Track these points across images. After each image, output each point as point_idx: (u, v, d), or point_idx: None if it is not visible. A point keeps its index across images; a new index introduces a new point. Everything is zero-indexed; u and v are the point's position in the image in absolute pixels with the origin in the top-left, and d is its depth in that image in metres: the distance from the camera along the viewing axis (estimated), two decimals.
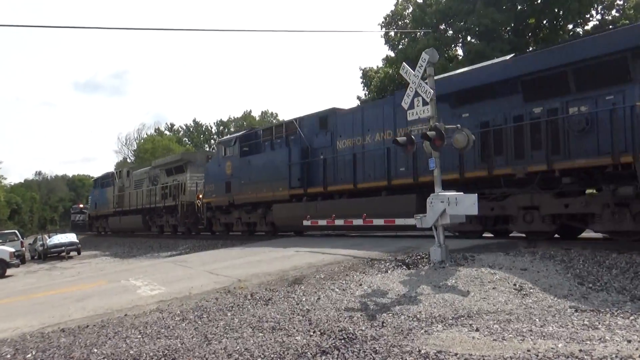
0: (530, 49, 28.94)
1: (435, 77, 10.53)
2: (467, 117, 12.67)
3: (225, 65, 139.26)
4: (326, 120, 17.44)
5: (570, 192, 11.02)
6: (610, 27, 24.97)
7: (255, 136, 21.48)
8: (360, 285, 8.58)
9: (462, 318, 6.52)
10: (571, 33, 29.26)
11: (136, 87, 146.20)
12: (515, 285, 8.00)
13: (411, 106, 9.95)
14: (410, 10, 31.91)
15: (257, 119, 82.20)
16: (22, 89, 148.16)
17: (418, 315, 6.69)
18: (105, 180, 41.18)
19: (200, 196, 24.65)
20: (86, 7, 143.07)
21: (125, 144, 79.09)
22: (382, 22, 33.43)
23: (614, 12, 29.51)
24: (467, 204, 8.83)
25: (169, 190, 29.54)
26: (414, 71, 9.88)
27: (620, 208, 10.22)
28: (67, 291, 11.20)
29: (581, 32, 30.15)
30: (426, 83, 9.70)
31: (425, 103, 9.73)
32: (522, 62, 11.92)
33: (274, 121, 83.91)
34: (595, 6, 28.87)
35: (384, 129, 15.11)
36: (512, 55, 13.01)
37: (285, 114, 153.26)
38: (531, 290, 7.79)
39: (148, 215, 32.89)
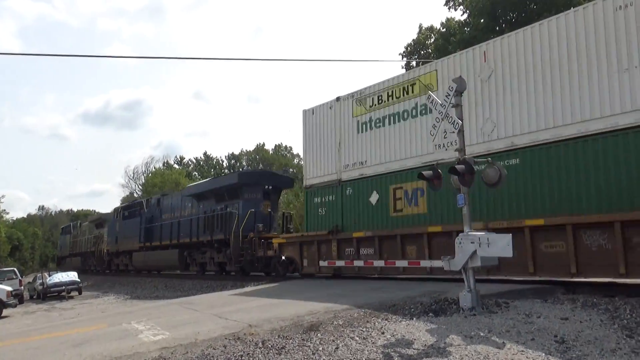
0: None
1: (189, 185, 25.92)
2: (200, 207, 28.54)
3: (238, 96, 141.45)
4: (158, 201, 34.33)
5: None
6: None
7: (130, 207, 37.98)
8: (383, 333, 8.21)
9: None
10: None
11: (147, 119, 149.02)
12: (556, 337, 7.56)
13: (438, 138, 9.75)
14: (433, 40, 32.13)
15: (271, 152, 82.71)
16: (30, 120, 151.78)
17: None
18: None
19: (103, 246, 41.01)
20: (99, 35, 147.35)
21: (133, 177, 79.89)
22: (404, 52, 33.69)
23: None
24: (500, 245, 8.48)
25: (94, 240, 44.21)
26: (440, 101, 9.72)
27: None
28: (64, 334, 10.95)
29: None
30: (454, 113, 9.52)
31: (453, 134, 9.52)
32: (215, 181, 28.79)
33: (288, 155, 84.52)
34: None
35: (180, 210, 31.06)
36: (212, 178, 32.84)
37: (301, 148, 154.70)
38: (574, 344, 7.34)
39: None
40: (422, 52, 32.67)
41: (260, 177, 26.76)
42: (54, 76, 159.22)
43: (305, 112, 19.72)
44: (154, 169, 76.74)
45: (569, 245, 11.23)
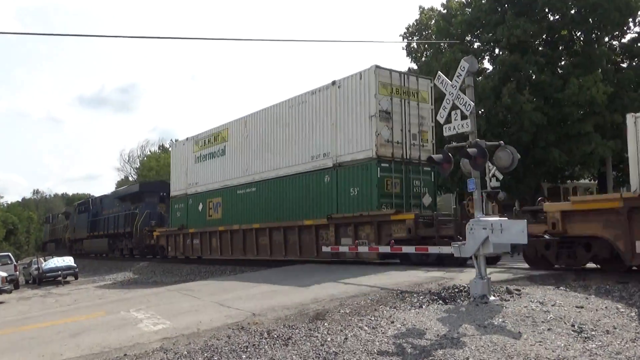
0: (563, 62, 28.54)
1: (117, 189, 39.61)
2: (122, 207, 37.76)
3: (235, 79, 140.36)
4: (101, 200, 43.77)
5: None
6: None
7: (84, 204, 48.14)
8: (392, 322, 7.93)
9: None
10: (608, 46, 28.64)
11: (143, 102, 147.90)
12: (573, 326, 7.30)
13: (448, 120, 9.39)
14: (434, 21, 31.51)
15: None
16: (26, 103, 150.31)
17: None
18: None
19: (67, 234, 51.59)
20: (95, 18, 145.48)
21: (128, 161, 79.12)
22: (405, 33, 33.06)
23: None
24: (514, 231, 8.17)
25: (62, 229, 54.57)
26: (451, 81, 9.35)
27: None
28: (61, 323, 10.67)
29: (617, 45, 29.64)
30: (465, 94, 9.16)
31: (464, 117, 9.17)
32: (128, 188, 39.92)
33: None
34: (633, 18, 28.30)
35: (111, 208, 40.09)
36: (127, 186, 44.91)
37: None
38: (593, 333, 7.08)
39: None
40: (425, 32, 32.06)
41: (157, 187, 36.74)
42: (49, 58, 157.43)
43: (172, 144, 30.46)
44: (149, 152, 75.95)
45: (271, 239, 20.29)
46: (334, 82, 17.99)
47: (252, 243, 21.00)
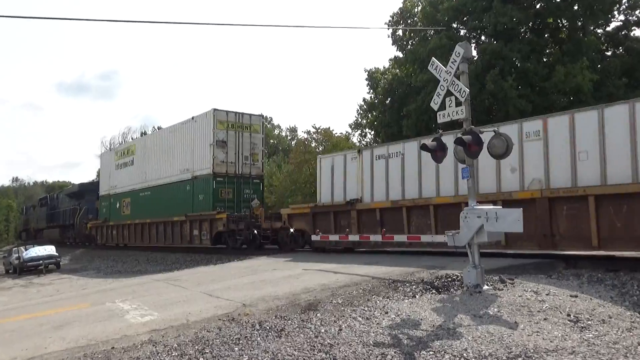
0: (550, 50, 28.55)
1: (67, 188, 50.96)
2: (69, 203, 44.58)
3: (219, 66, 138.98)
4: (57, 196, 50.53)
5: None
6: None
7: (44, 199, 53.89)
8: (387, 313, 7.81)
9: (519, 359, 5.75)
10: (593, 34, 28.69)
11: (125, 89, 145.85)
12: (569, 316, 7.24)
13: (442, 107, 9.22)
14: (420, 7, 31.27)
15: None
16: (3, 89, 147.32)
17: (465, 355, 5.92)
18: None
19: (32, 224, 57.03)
20: (75, 1, 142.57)
21: (109, 148, 77.94)
22: (390, 21, 32.83)
23: (638, 12, 29.08)
24: (509, 219, 8.07)
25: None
26: (445, 67, 9.18)
27: None
28: (44, 315, 10.38)
29: (602, 33, 29.73)
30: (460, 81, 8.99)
31: (458, 103, 9.01)
32: (73, 187, 47.57)
33: (268, 125, 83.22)
34: (618, 6, 28.39)
35: (63, 203, 46.90)
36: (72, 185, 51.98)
37: (282, 119, 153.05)
38: (589, 323, 7.02)
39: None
40: (409, 20, 31.84)
41: (95, 186, 40.85)
42: (27, 43, 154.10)
43: (101, 153, 40.82)
44: (131, 140, 74.81)
45: (157, 230, 28.30)
46: (192, 118, 25.54)
47: (147, 233, 29.59)
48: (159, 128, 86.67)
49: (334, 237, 16.71)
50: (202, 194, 24.42)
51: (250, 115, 25.51)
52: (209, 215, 23.27)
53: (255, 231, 20.86)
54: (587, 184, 11.25)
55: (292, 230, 19.42)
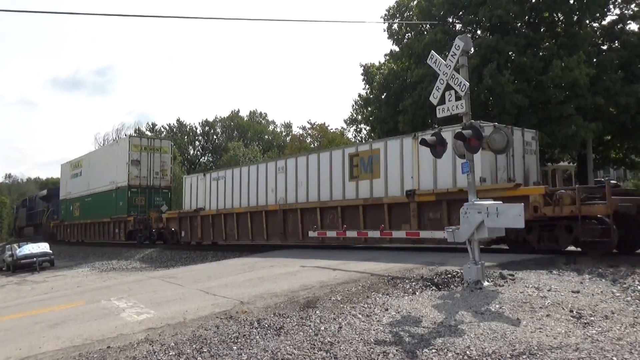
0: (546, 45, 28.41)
1: (41, 191, 58.47)
2: (43, 204, 51.49)
3: (213, 61, 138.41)
4: (35, 197, 57.42)
5: None
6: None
7: (25, 200, 60.52)
8: (387, 310, 7.71)
9: (524, 356, 5.67)
10: (589, 28, 28.58)
11: (120, 84, 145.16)
12: (572, 312, 7.16)
13: (442, 101, 9.11)
14: (416, 1, 31.06)
15: (245, 119, 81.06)
16: None
17: (468, 352, 5.83)
18: None
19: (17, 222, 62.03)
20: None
21: (103, 144, 77.56)
22: (385, 15, 32.62)
23: (633, 6, 28.99)
24: (511, 215, 7.97)
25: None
26: (444, 61, 9.06)
27: None
28: (39, 313, 10.23)
29: (598, 27, 29.64)
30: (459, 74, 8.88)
31: (458, 97, 8.90)
32: (43, 192, 56.73)
33: (263, 122, 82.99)
34: (614, 0, 28.28)
35: (38, 204, 53.87)
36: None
37: (276, 114, 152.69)
38: (592, 319, 6.95)
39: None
40: (405, 14, 31.61)
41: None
42: (22, 38, 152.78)
43: (61, 165, 46.92)
44: (124, 136, 74.49)
45: (96, 229, 38.00)
46: (116, 140, 34.90)
47: (89, 231, 38.66)
48: (153, 125, 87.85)
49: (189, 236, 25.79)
50: (121, 201, 33.50)
51: (161, 139, 36.56)
52: (124, 217, 32.69)
53: (154, 230, 29.23)
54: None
55: (173, 229, 27.19)
